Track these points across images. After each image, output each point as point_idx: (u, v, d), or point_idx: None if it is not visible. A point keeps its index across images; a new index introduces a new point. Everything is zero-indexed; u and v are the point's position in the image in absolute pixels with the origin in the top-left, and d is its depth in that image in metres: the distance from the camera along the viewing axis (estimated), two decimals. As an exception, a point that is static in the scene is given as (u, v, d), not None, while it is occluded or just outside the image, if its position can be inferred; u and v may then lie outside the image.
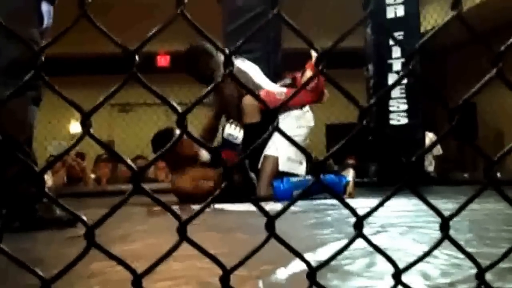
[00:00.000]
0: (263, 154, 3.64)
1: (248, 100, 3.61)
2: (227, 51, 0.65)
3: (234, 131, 3.54)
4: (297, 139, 3.42)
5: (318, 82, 3.69)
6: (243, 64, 3.84)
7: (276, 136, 3.31)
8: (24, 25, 2.05)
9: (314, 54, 4.00)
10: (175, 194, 3.65)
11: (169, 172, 6.26)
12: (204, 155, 3.68)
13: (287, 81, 4.00)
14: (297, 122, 3.69)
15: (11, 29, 0.62)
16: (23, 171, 1.88)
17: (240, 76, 3.71)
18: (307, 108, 3.82)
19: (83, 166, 6.08)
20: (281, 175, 3.59)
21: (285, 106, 3.48)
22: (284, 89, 3.79)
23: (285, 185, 3.52)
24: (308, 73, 3.84)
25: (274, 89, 3.79)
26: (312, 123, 3.83)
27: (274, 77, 4.16)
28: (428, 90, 0.75)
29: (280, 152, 3.56)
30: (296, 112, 3.71)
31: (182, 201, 3.53)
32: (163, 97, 0.63)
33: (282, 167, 3.59)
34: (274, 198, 3.43)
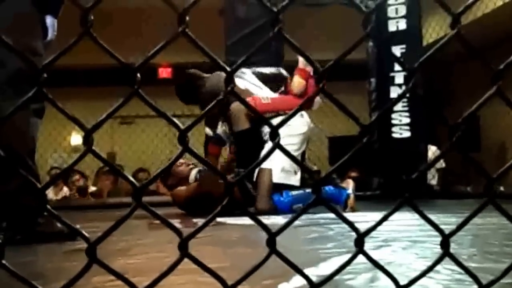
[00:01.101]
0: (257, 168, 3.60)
1: (235, 105, 3.54)
2: (228, 68, 0.65)
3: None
4: (290, 148, 3.35)
5: (307, 89, 3.70)
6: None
7: (269, 146, 3.26)
8: (29, 37, 2.07)
9: (301, 59, 4.05)
10: (174, 200, 3.73)
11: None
12: (192, 176, 3.76)
13: (282, 88, 4.02)
14: (288, 130, 3.40)
15: (10, 41, 0.62)
16: (25, 184, 1.88)
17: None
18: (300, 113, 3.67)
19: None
20: (277, 186, 3.54)
21: (272, 112, 3.53)
22: (273, 95, 3.80)
23: (285, 199, 3.49)
24: (296, 78, 3.83)
25: (260, 94, 3.74)
26: (304, 129, 3.69)
27: (277, 88, 4.16)
28: (429, 106, 0.76)
29: (274, 163, 3.45)
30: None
31: (182, 208, 3.63)
32: (165, 114, 0.64)
33: (277, 179, 3.53)
34: (275, 212, 3.41)
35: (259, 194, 3.53)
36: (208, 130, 3.82)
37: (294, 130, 3.54)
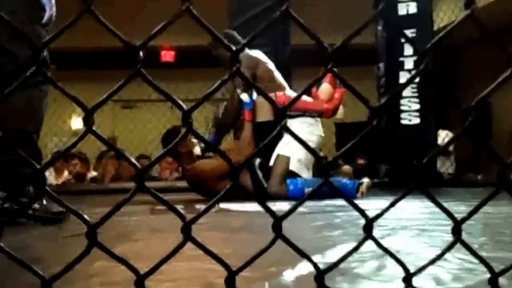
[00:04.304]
0: (276, 153, 3.67)
1: (261, 97, 3.66)
2: (233, 47, 0.63)
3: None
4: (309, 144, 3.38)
5: (334, 95, 3.81)
6: (265, 57, 3.88)
7: (290, 136, 3.34)
8: (31, 24, 2.08)
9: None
10: (193, 178, 3.70)
11: (174, 170, 6.29)
12: (197, 150, 3.77)
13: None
14: (309, 129, 3.77)
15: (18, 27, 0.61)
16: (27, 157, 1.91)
17: (267, 70, 3.78)
18: (318, 119, 3.89)
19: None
20: (291, 174, 3.65)
21: (300, 111, 3.59)
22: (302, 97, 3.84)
23: (298, 183, 3.58)
24: (324, 86, 3.96)
25: (290, 94, 3.86)
26: (322, 134, 3.91)
27: (282, 73, 4.17)
28: (441, 89, 0.73)
29: (293, 152, 3.61)
30: (309, 120, 3.80)
31: (198, 189, 3.64)
32: (168, 94, 0.62)
33: (293, 167, 3.65)
34: (286, 196, 3.49)
35: (273, 177, 3.63)
36: (245, 96, 3.79)
37: (317, 131, 3.81)
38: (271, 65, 3.97)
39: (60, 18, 2.22)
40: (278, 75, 3.98)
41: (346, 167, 5.92)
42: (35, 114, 2.18)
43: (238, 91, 3.80)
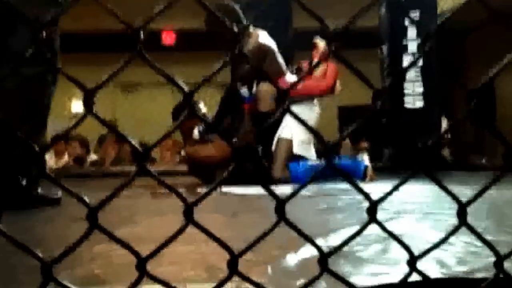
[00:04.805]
0: (277, 137, 3.68)
1: (264, 86, 3.67)
2: (235, 30, 0.62)
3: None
4: (309, 123, 3.39)
5: (327, 70, 3.77)
6: (270, 40, 3.85)
7: (290, 120, 3.36)
8: (40, 8, 2.06)
9: (320, 43, 4.09)
10: (192, 164, 3.71)
11: (175, 153, 6.27)
12: (195, 133, 3.75)
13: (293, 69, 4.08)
14: (308, 107, 3.79)
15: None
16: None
17: (272, 54, 3.75)
18: (315, 101, 3.91)
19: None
20: (294, 158, 3.67)
21: (297, 96, 3.59)
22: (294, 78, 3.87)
23: (301, 168, 3.59)
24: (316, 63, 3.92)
25: (290, 79, 3.84)
26: (319, 112, 3.91)
27: (284, 56, 4.14)
28: (445, 71, 0.72)
29: (294, 135, 3.62)
30: (307, 103, 3.81)
31: (197, 175, 3.64)
32: (169, 76, 0.61)
33: (296, 149, 3.67)
34: (290, 180, 3.51)
35: (275, 162, 3.66)
36: (244, 90, 3.79)
37: (315, 113, 3.83)
38: (277, 52, 3.91)
39: None
40: (281, 61, 3.95)
41: (364, 144, 5.93)
42: (35, 106, 2.16)
43: (238, 85, 3.78)
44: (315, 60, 3.98)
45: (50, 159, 6.05)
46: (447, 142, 6.80)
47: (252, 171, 3.55)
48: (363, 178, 3.63)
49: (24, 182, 2.08)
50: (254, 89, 3.77)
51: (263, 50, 3.76)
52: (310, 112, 3.77)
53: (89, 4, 0.59)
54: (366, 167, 3.68)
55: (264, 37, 3.84)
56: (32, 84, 2.08)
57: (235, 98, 3.81)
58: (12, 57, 2.03)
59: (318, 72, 3.92)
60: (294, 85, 0.68)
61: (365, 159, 3.76)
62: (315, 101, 3.89)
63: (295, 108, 3.60)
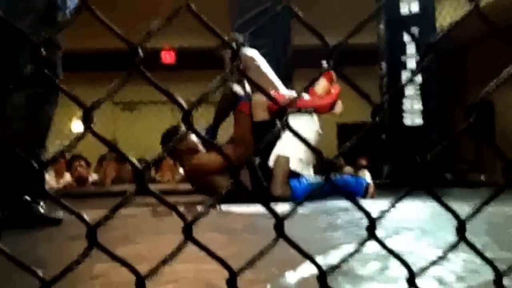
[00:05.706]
0: (275, 154, 3.65)
1: (256, 96, 3.64)
2: (234, 46, 0.62)
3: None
4: (306, 136, 3.38)
5: (330, 90, 3.78)
6: (258, 57, 3.86)
7: (288, 136, 3.35)
8: (46, 28, 2.08)
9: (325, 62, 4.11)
10: (193, 172, 3.69)
11: (175, 174, 6.26)
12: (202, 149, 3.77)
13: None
14: (305, 125, 3.72)
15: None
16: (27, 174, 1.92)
17: (255, 68, 3.75)
18: (314, 115, 3.88)
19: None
20: (293, 174, 3.64)
21: (294, 108, 3.57)
22: (295, 93, 3.81)
23: (302, 185, 3.57)
24: (322, 81, 3.91)
25: (285, 92, 3.85)
26: (319, 129, 3.88)
27: (283, 74, 4.15)
28: (446, 88, 0.72)
29: (292, 152, 3.59)
30: (304, 116, 3.76)
31: (198, 184, 3.64)
32: (168, 93, 0.61)
33: (293, 166, 3.63)
34: (292, 198, 3.47)
35: (275, 180, 3.61)
36: (238, 89, 3.77)
37: (313, 126, 3.78)
38: (263, 65, 3.91)
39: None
40: (271, 75, 3.93)
41: (348, 168, 5.92)
42: (35, 126, 2.16)
43: (231, 84, 3.77)
44: (322, 79, 3.95)
45: (50, 179, 6.03)
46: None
47: (251, 190, 3.54)
48: (364, 195, 3.62)
49: (26, 199, 2.07)
50: (248, 88, 3.74)
51: (243, 59, 3.74)
52: (307, 125, 3.72)
53: (89, 25, 0.60)
54: (368, 184, 3.68)
55: (249, 51, 3.87)
56: (35, 103, 2.09)
57: (232, 99, 3.80)
58: (21, 76, 2.05)
59: (320, 90, 3.91)
60: (292, 102, 0.69)
61: (366, 176, 3.77)
62: (315, 117, 3.86)
63: (292, 121, 3.57)
